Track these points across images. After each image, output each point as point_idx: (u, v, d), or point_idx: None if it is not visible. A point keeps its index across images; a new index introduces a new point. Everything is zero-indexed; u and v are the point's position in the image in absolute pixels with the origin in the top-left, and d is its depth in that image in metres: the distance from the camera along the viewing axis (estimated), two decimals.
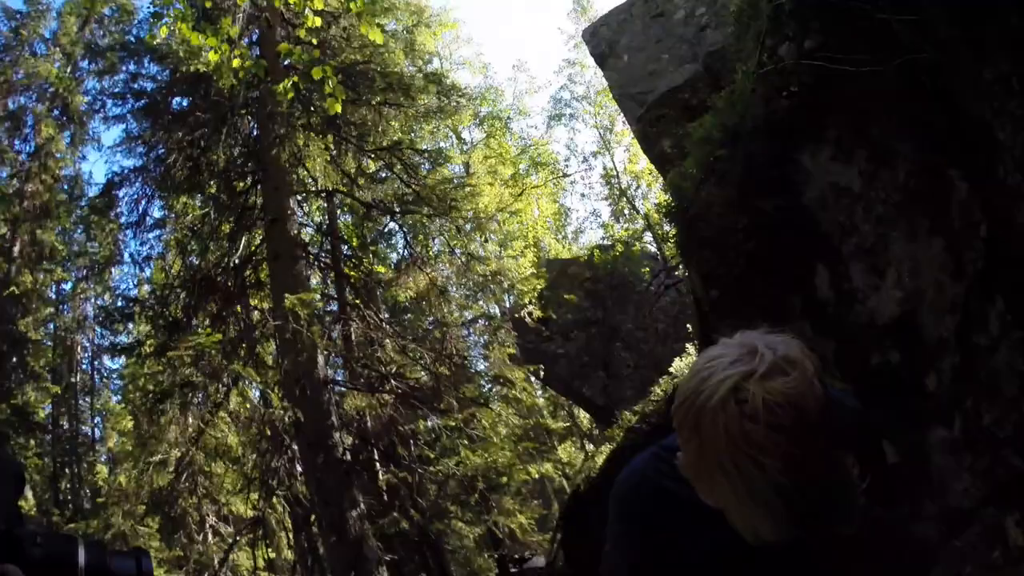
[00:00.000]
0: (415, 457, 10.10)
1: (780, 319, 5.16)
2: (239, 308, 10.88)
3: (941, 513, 3.77)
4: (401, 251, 15.34)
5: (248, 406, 10.61)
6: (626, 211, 22.10)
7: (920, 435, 4.10)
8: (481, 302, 17.31)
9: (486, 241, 15.08)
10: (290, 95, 8.13)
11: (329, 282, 13.41)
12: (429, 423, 11.19)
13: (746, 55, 5.49)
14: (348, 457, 9.12)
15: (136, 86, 11.26)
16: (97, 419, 21.33)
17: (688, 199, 5.79)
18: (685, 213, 5.88)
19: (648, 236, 18.91)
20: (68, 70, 18.45)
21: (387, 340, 11.16)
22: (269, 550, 11.71)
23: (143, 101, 11.11)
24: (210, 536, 10.46)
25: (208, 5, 7.09)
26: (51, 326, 19.89)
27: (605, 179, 23.30)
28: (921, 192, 3.97)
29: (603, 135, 23.25)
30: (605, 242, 19.77)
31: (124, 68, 11.30)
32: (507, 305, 18.22)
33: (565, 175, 23.96)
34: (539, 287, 13.50)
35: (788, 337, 1.18)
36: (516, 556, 16.42)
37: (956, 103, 3.67)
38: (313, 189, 12.56)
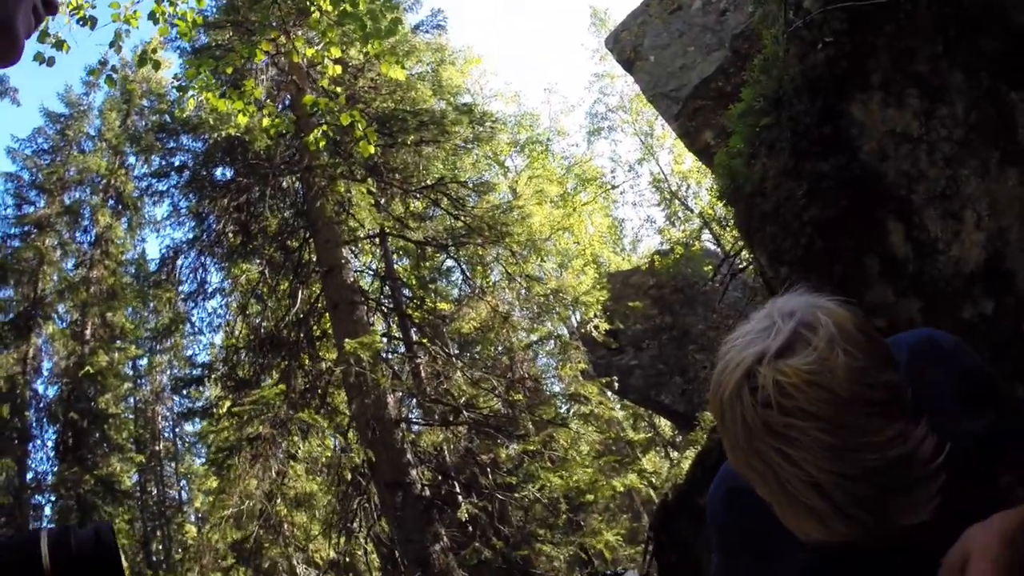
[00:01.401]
0: (497, 485, 9.93)
1: (858, 286, 4.85)
2: (306, 360, 10.97)
3: None
4: (460, 285, 15.36)
5: (328, 454, 10.66)
6: (680, 213, 21.73)
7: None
8: (547, 324, 17.15)
9: (543, 262, 14.95)
10: (322, 144, 8.19)
11: (393, 324, 13.47)
12: (509, 450, 11.04)
13: (772, 19, 5.26)
14: (427, 493, 9.02)
15: (175, 160, 11.61)
16: (183, 482, 22.20)
17: (741, 176, 5.54)
18: (740, 191, 5.62)
19: (706, 234, 18.49)
20: (116, 161, 19.43)
21: (456, 373, 11.08)
22: None
23: (185, 174, 11.44)
24: None
25: (230, 71, 7.19)
26: (131, 400, 20.75)
27: (654, 184, 23.00)
28: (984, 123, 3.66)
29: (644, 141, 23.01)
30: (664, 247, 19.43)
31: (162, 146, 11.67)
32: (574, 324, 18.02)
33: (613, 187, 23.78)
34: (602, 299, 13.26)
35: (824, 299, 0.98)
36: (608, 572, 15.98)
37: (1003, 17, 3.38)
38: (363, 235, 12.68)
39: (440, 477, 10.19)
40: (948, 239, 4.00)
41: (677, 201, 21.68)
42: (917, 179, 4.07)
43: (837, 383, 0.87)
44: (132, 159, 18.97)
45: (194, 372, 11.94)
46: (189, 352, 16.64)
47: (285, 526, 9.93)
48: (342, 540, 9.41)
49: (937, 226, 4.04)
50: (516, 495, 9.74)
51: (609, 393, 15.12)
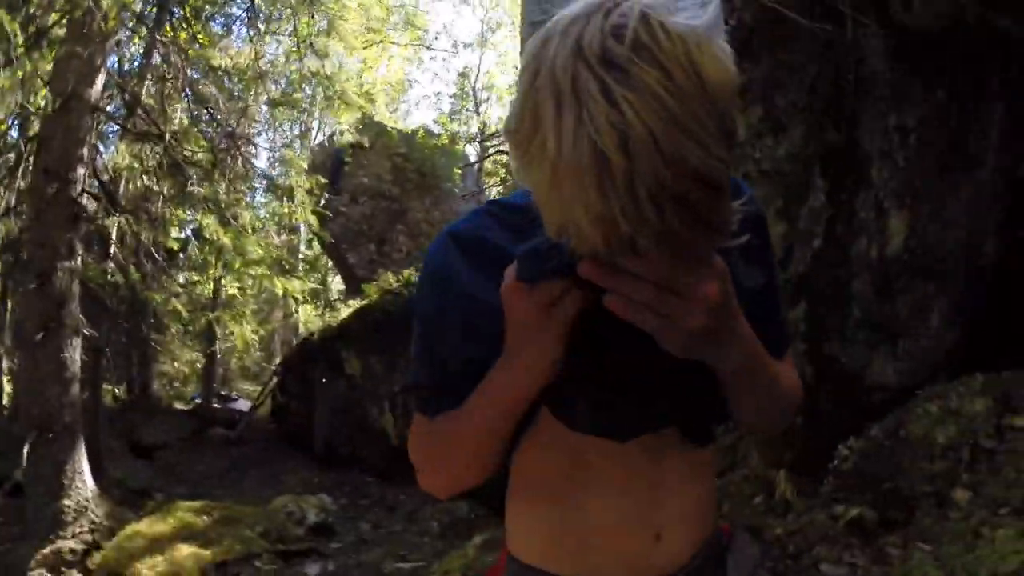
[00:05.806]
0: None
1: None
2: None
3: None
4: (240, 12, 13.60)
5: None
6: (466, 111, 21.42)
7: None
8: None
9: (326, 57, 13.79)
10: None
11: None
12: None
13: None
14: (85, 201, 7.82)
15: None
16: None
17: None
18: None
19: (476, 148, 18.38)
20: None
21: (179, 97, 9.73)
22: None
23: None
24: None
25: None
26: None
27: (462, 76, 22.37)
28: None
29: (484, 32, 22.30)
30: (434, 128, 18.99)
31: None
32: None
33: (428, 47, 22.69)
34: (354, 115, 11.91)
35: None
36: (222, 393, 16.18)
37: None
38: None
39: (107, 203, 8.94)
40: None
41: (474, 102, 21.44)
42: None
43: (708, 59, 0.68)
44: None
45: None
46: None
47: None
48: None
49: None
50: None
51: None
